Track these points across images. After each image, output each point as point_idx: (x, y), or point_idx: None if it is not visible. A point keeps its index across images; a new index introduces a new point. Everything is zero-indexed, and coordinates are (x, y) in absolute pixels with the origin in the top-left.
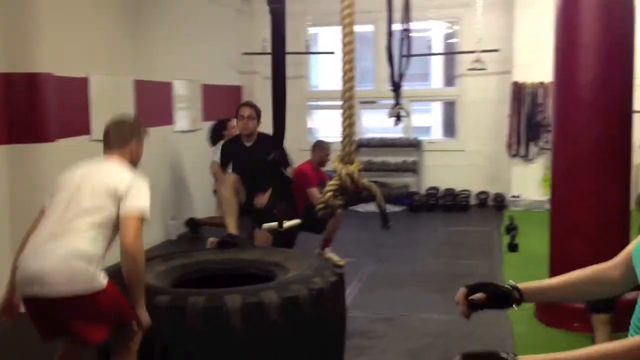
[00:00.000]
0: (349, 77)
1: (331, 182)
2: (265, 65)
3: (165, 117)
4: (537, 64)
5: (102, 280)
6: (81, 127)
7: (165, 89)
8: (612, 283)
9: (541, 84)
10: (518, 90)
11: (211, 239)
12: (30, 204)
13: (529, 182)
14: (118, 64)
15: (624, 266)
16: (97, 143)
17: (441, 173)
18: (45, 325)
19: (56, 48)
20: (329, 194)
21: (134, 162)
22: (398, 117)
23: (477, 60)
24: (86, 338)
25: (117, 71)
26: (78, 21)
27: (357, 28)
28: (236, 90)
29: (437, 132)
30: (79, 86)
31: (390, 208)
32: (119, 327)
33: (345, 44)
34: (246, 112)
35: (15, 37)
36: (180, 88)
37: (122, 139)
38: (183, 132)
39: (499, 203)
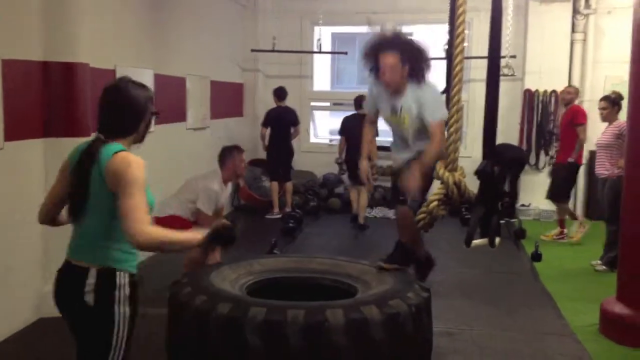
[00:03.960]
0: (458, 80)
1: (436, 191)
2: (266, 63)
3: (179, 113)
4: (550, 71)
5: None
6: None
7: (180, 84)
8: None
9: (554, 92)
10: (530, 97)
11: None
12: None
13: (538, 192)
14: (140, 58)
15: None
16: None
17: None
18: None
19: (90, 38)
20: (434, 203)
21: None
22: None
23: (506, 66)
24: None
25: (139, 64)
26: (108, 13)
27: (364, 29)
28: (239, 88)
29: None
30: (107, 78)
31: None
32: None
33: (456, 47)
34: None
35: (55, 24)
36: (192, 84)
37: None
38: (195, 129)
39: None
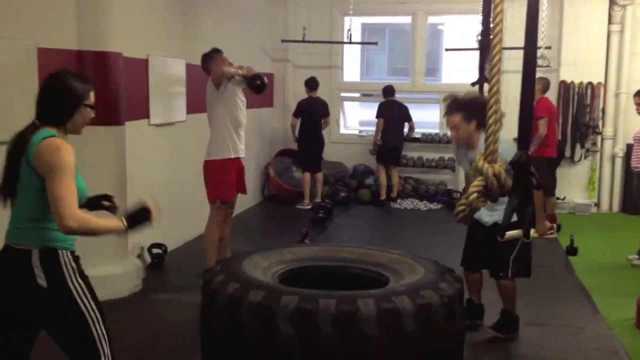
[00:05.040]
0: (497, 71)
1: (475, 183)
2: (296, 53)
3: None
4: (586, 63)
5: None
6: (141, 111)
7: None
8: None
9: (589, 84)
10: (565, 89)
11: None
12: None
13: (573, 185)
14: (171, 47)
15: None
16: (156, 128)
17: None
18: None
19: (123, 28)
20: (474, 195)
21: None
22: None
23: (541, 57)
24: None
25: (171, 54)
26: (141, 3)
27: (394, 20)
28: (269, 78)
29: None
30: (140, 67)
31: (428, 205)
32: None
33: (495, 36)
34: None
35: (89, 14)
36: None
37: None
38: None
39: None
